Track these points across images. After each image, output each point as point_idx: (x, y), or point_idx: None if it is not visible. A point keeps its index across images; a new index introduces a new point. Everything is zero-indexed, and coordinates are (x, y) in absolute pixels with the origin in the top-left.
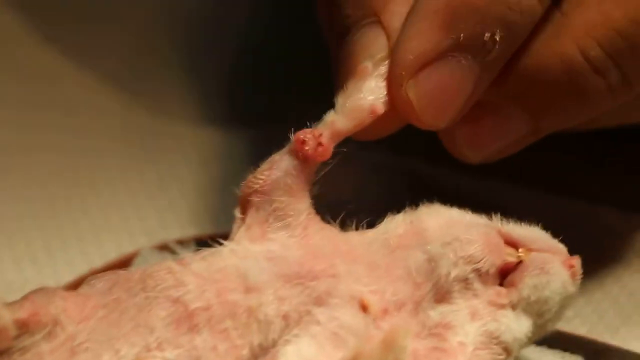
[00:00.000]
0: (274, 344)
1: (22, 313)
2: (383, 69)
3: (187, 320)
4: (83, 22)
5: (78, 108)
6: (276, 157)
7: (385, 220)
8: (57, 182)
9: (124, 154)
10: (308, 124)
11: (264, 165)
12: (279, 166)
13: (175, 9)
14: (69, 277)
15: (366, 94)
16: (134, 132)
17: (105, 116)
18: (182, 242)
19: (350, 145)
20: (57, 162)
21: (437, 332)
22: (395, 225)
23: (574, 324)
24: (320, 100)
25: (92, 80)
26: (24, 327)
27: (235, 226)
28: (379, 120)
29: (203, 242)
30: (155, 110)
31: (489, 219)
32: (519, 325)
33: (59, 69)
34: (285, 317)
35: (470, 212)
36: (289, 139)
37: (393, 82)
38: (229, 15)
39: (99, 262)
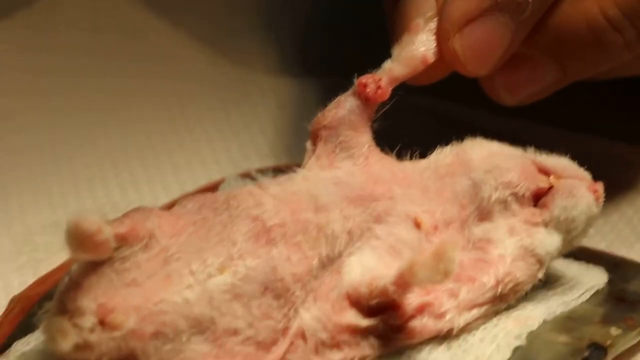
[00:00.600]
0: (340, 255)
1: (123, 228)
2: (433, 24)
3: (265, 235)
4: None
5: (175, 60)
6: (342, 97)
7: (435, 151)
8: (157, 120)
9: (213, 97)
10: (368, 70)
11: (332, 105)
12: (344, 105)
13: None
14: (165, 200)
15: (419, 46)
16: (221, 79)
17: (197, 66)
18: (261, 171)
19: (404, 90)
20: (157, 104)
21: (480, 245)
22: (444, 156)
23: (595, 240)
24: (380, 55)
25: (187, 37)
26: (123, 240)
27: (306, 156)
28: (429, 68)
29: (280, 171)
30: (239, 62)
31: (524, 151)
32: (550, 240)
33: (161, 28)
34: (349, 233)
35: (507, 145)
36: (353, 84)
37: (441, 36)
38: None
39: (191, 187)
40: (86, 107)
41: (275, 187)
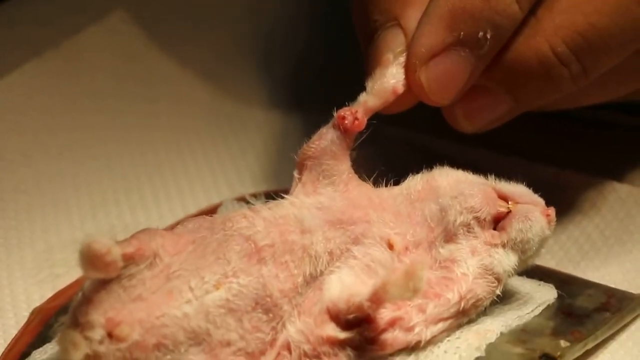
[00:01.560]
0: (322, 273)
1: (130, 248)
2: (402, 59)
3: (257, 254)
4: (185, 36)
5: (182, 98)
6: (323, 130)
7: (407, 179)
8: (165, 151)
9: (215, 130)
10: (347, 103)
11: (315, 137)
12: (325, 137)
13: (252, 21)
14: (171, 220)
15: (389, 78)
16: (222, 114)
17: (201, 103)
18: (255, 195)
19: (379, 121)
20: (166, 138)
21: (446, 265)
22: (415, 182)
23: (545, 259)
24: (357, 89)
25: (192, 77)
26: (131, 259)
27: (294, 183)
28: (399, 99)
29: (271, 196)
30: (238, 98)
31: (486, 179)
32: (507, 260)
33: (170, 71)
34: (330, 253)
35: (471, 173)
36: (333, 116)
37: (409, 69)
38: (290, 29)
39: (193, 209)
40: (104, 140)
41: (266, 211)
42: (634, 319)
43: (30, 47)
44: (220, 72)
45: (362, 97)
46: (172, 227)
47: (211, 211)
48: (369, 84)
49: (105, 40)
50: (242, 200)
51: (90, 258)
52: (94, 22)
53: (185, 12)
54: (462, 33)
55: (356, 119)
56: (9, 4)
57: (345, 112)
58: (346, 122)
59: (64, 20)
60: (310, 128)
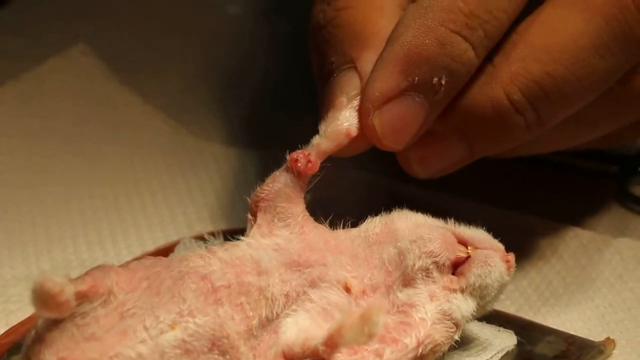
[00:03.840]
0: (277, 316)
1: (84, 286)
2: (355, 102)
3: (213, 294)
4: (144, 68)
5: (142, 129)
6: (277, 173)
7: (366, 221)
8: (123, 184)
9: (174, 163)
10: (300, 146)
11: (268, 180)
12: (279, 179)
13: (214, 56)
14: (128, 257)
15: (343, 121)
16: (180, 149)
17: (161, 136)
18: (213, 234)
19: (333, 163)
20: (125, 169)
21: (404, 309)
22: (373, 225)
23: (505, 304)
24: (312, 129)
25: (153, 110)
26: (84, 297)
27: (248, 225)
28: (352, 142)
29: (230, 234)
30: (197, 134)
31: (446, 223)
32: (466, 305)
33: (131, 101)
34: (286, 296)
35: (431, 217)
36: (286, 158)
37: (362, 113)
38: (249, 66)
39: (151, 246)
40: (62, 169)
41: (223, 252)
42: None
43: None
44: (180, 107)
45: (316, 140)
46: (127, 264)
47: (169, 249)
48: (322, 127)
49: (66, 72)
50: (200, 238)
51: (42, 297)
52: (55, 54)
53: (146, 46)
54: (416, 78)
55: (309, 161)
56: None
57: (298, 154)
58: (299, 164)
59: (24, 53)
60: (268, 166)
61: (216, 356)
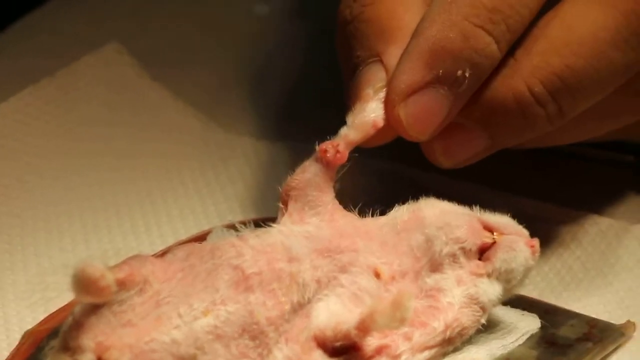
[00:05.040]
0: (309, 301)
1: (121, 274)
2: (382, 94)
3: (244, 282)
4: (176, 66)
5: (174, 126)
6: (306, 163)
7: (394, 209)
8: (156, 178)
9: (205, 157)
10: (328, 137)
11: (298, 170)
12: (309, 169)
13: (243, 53)
14: (161, 246)
15: (369, 113)
16: (211, 142)
17: (192, 132)
18: (244, 223)
19: (361, 154)
20: (157, 165)
21: (432, 294)
22: (401, 213)
23: (528, 289)
24: (337, 121)
25: (184, 106)
26: (122, 285)
27: (279, 214)
28: (379, 132)
29: (259, 223)
30: (227, 127)
31: (471, 210)
32: (492, 289)
33: (163, 100)
34: (318, 281)
35: (456, 204)
36: (315, 149)
37: (388, 104)
38: (277, 63)
39: (183, 235)
40: (97, 167)
41: (254, 239)
42: (615, 349)
43: (26, 75)
44: (211, 102)
45: (343, 131)
46: (162, 253)
47: (201, 237)
48: (350, 118)
49: (100, 69)
50: (232, 227)
51: (83, 283)
52: (89, 52)
53: (177, 44)
54: (441, 71)
55: (338, 152)
56: (7, 34)
57: (327, 145)
58: (328, 155)
59: (60, 51)
60: (297, 157)
61: (246, 341)
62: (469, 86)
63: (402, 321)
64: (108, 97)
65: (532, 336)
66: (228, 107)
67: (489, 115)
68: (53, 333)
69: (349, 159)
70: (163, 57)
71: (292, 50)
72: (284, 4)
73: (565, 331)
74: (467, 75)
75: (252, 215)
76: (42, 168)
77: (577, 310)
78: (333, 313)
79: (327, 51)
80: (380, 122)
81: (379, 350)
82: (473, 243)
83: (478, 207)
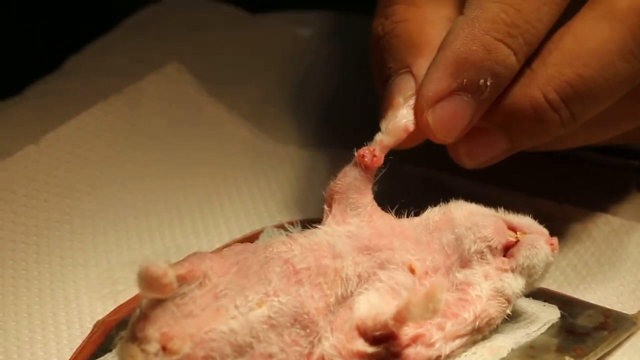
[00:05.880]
0: (351, 294)
1: (183, 270)
2: (411, 102)
3: (294, 276)
4: (229, 82)
5: (228, 137)
6: (347, 168)
7: (426, 211)
8: (214, 183)
9: (256, 164)
10: (365, 143)
11: (340, 174)
12: (349, 174)
13: (288, 70)
14: (218, 244)
15: (401, 118)
16: (262, 151)
17: (245, 142)
18: (292, 223)
19: (396, 159)
20: (215, 172)
21: (462, 288)
22: (433, 214)
23: (548, 283)
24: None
25: (237, 119)
26: (183, 280)
27: (324, 215)
28: (410, 136)
29: (306, 223)
30: (275, 137)
31: (496, 211)
32: (516, 283)
33: (218, 113)
34: (359, 276)
35: (483, 206)
36: (354, 155)
37: (418, 110)
38: (317, 79)
39: (238, 234)
40: (160, 174)
41: (303, 238)
42: (629, 336)
43: (97, 92)
44: (260, 115)
45: (378, 136)
46: (219, 250)
47: (254, 236)
48: (383, 124)
49: (162, 87)
50: (281, 227)
51: (147, 280)
52: (153, 71)
53: (231, 63)
54: (465, 80)
55: (374, 156)
56: (81, 55)
57: (364, 150)
58: (366, 159)
59: (127, 70)
60: (337, 163)
61: (298, 330)
62: (490, 94)
63: (435, 312)
64: (169, 112)
65: (552, 325)
66: (275, 120)
67: (508, 120)
68: (122, 323)
69: (385, 163)
70: (218, 76)
71: (331, 68)
72: (322, 27)
73: (583, 321)
74: (488, 84)
75: (298, 216)
76: (111, 175)
77: (593, 302)
78: (373, 305)
79: (360, 67)
80: (411, 127)
81: (415, 339)
82: (498, 241)
83: (502, 208)
